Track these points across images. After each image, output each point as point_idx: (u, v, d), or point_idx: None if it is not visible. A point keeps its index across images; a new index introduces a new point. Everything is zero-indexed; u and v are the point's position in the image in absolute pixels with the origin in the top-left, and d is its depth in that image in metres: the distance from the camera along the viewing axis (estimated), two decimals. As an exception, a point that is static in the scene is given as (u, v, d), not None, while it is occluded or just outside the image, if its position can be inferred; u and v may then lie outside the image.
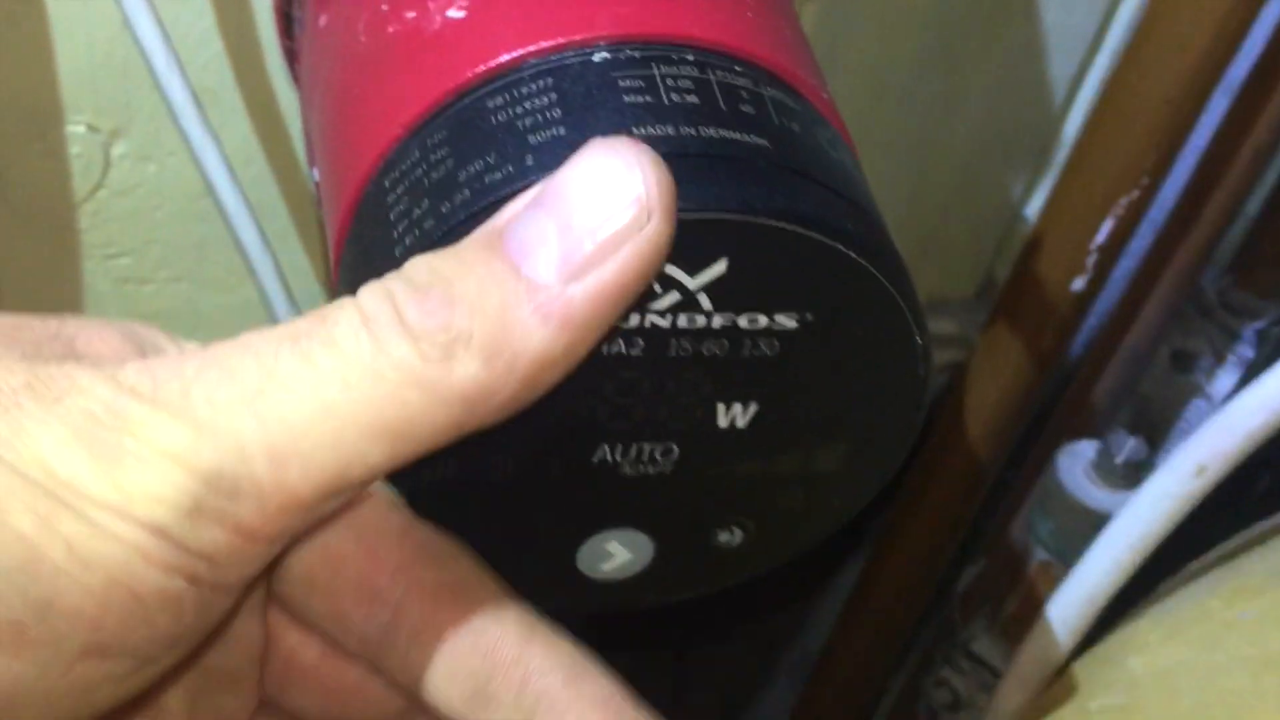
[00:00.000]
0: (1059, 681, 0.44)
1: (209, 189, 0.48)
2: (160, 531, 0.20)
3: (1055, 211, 0.52)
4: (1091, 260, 0.51)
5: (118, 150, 0.50)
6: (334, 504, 0.22)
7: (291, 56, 0.43)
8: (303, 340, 0.21)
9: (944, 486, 0.59)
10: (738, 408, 0.28)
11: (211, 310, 0.56)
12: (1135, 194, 0.49)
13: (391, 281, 0.22)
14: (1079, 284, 0.52)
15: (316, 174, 0.39)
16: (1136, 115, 0.48)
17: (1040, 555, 0.55)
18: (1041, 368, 0.56)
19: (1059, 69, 0.63)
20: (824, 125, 0.29)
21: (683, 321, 0.26)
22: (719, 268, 0.25)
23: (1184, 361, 0.59)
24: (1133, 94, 0.48)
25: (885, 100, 0.60)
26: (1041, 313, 0.53)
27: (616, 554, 0.31)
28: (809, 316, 0.27)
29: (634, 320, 0.26)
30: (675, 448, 0.28)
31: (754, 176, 0.26)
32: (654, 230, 0.22)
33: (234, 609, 0.23)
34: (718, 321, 0.26)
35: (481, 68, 0.29)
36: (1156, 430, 0.60)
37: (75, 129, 0.49)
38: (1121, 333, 0.57)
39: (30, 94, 0.48)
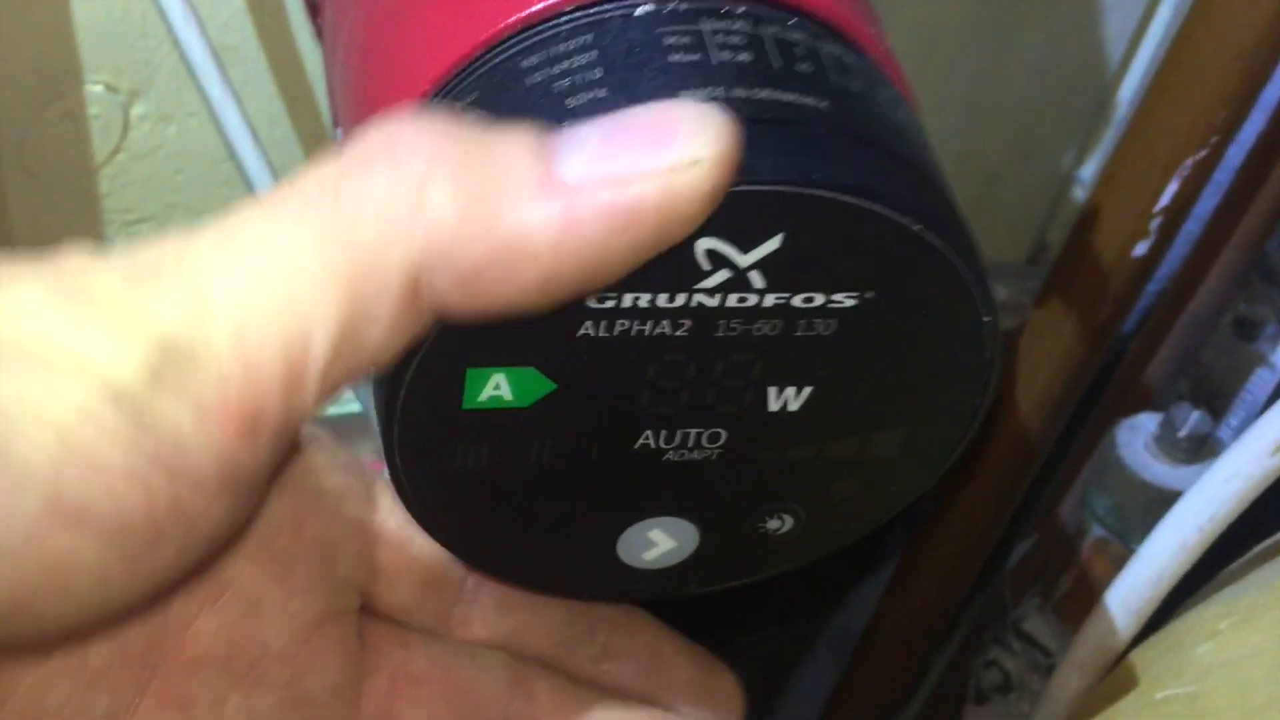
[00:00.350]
0: (1120, 668, 0.42)
1: (230, 151, 0.46)
2: (116, 397, 0.19)
3: (1117, 173, 0.49)
4: (1155, 224, 0.49)
5: (137, 111, 0.48)
6: (301, 395, 0.20)
7: (314, 10, 0.41)
8: (269, 197, 0.20)
9: (994, 461, 0.56)
10: (790, 391, 0.26)
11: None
12: (1203, 154, 0.47)
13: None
14: (1141, 249, 0.49)
15: (340, 135, 0.37)
16: (1206, 70, 0.46)
17: (1096, 532, 0.52)
18: (1099, 337, 0.53)
19: (1116, 26, 0.60)
20: (886, 85, 0.26)
21: (732, 301, 0.24)
22: (772, 243, 0.23)
23: (1247, 329, 0.56)
24: (1201, 48, 0.46)
25: (936, 59, 0.57)
26: (1100, 280, 0.51)
27: (659, 542, 0.29)
28: (869, 294, 0.24)
29: (680, 299, 0.24)
30: (722, 433, 0.26)
31: (811, 144, 0.23)
32: (697, 177, 0.20)
33: (232, 532, 0.22)
34: (770, 300, 0.24)
35: (515, 18, 0.27)
36: (1217, 401, 0.57)
37: (93, 89, 0.47)
38: (1183, 300, 0.55)
39: (47, 53, 0.46)
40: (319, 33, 0.43)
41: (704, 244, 0.23)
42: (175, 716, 0.26)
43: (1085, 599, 0.52)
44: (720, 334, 0.24)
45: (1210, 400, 0.56)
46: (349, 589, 0.29)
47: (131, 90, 0.47)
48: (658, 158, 0.20)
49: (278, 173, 0.46)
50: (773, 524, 0.29)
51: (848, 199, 0.23)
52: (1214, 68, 0.45)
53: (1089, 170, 0.64)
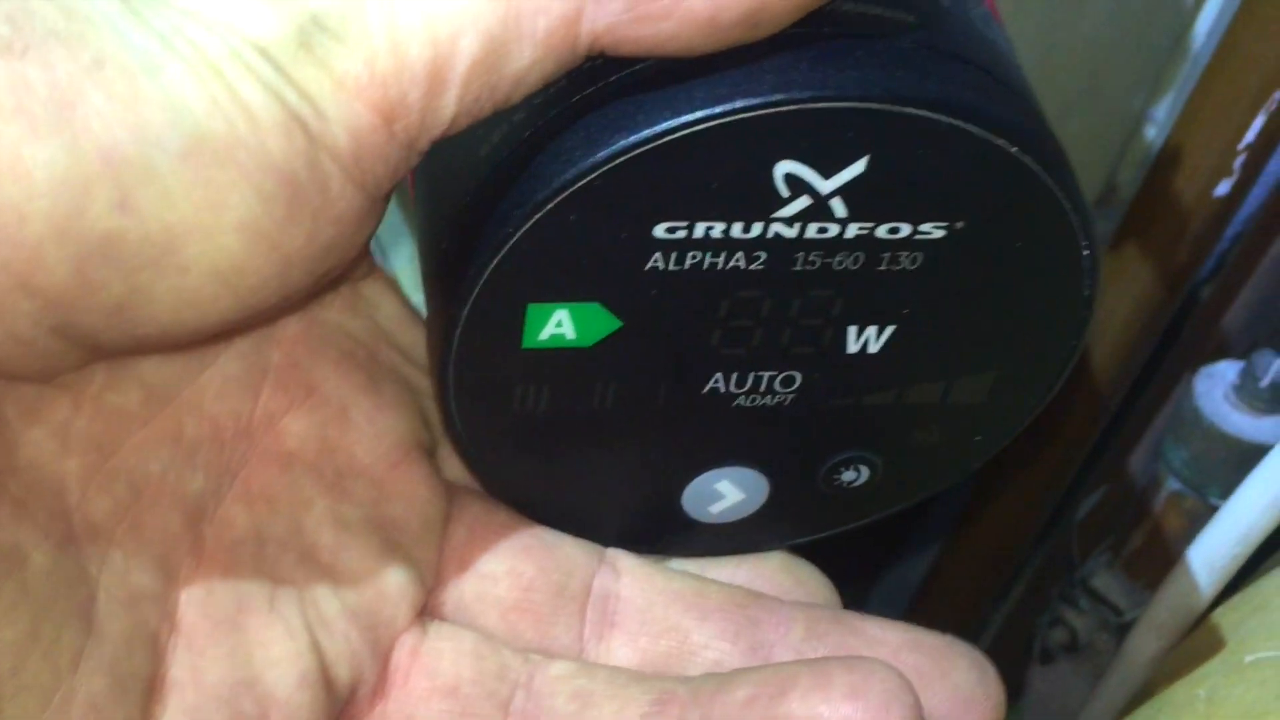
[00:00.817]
0: (1203, 629, 0.40)
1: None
2: (263, 51, 0.19)
3: (1199, 108, 0.47)
4: (1239, 162, 0.46)
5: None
6: (440, 97, 0.20)
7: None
8: None
9: (1065, 410, 0.54)
10: (871, 331, 0.24)
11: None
12: (1294, 87, 0.44)
13: None
14: (1224, 188, 0.47)
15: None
16: (1297, -2, 0.43)
17: (1172, 485, 0.50)
18: (1176, 281, 0.51)
19: (1193, -45, 0.58)
20: (977, 2, 0.24)
21: (811, 231, 0.22)
22: (857, 167, 0.21)
23: (1331, 275, 0.54)
24: (1294, -26, 0.43)
25: (1005, -12, 0.55)
26: (1179, 221, 0.49)
27: (727, 494, 0.27)
28: (959, 225, 0.23)
29: (755, 229, 0.22)
30: (797, 376, 0.25)
31: (899, 59, 0.22)
32: None
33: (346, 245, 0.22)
34: (852, 231, 0.22)
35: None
36: (1297, 350, 0.55)
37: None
38: (1264, 244, 0.52)
39: None
40: None
41: (783, 168, 0.21)
42: (262, 510, 0.26)
43: (1159, 555, 0.50)
44: (798, 268, 0.23)
45: (1290, 348, 0.54)
46: (432, 426, 0.29)
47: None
48: None
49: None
50: (848, 475, 0.27)
51: (939, 117, 0.21)
52: (1307, -6, 0.43)
53: (1162, 109, 0.61)
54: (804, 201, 0.22)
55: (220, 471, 0.26)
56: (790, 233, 0.22)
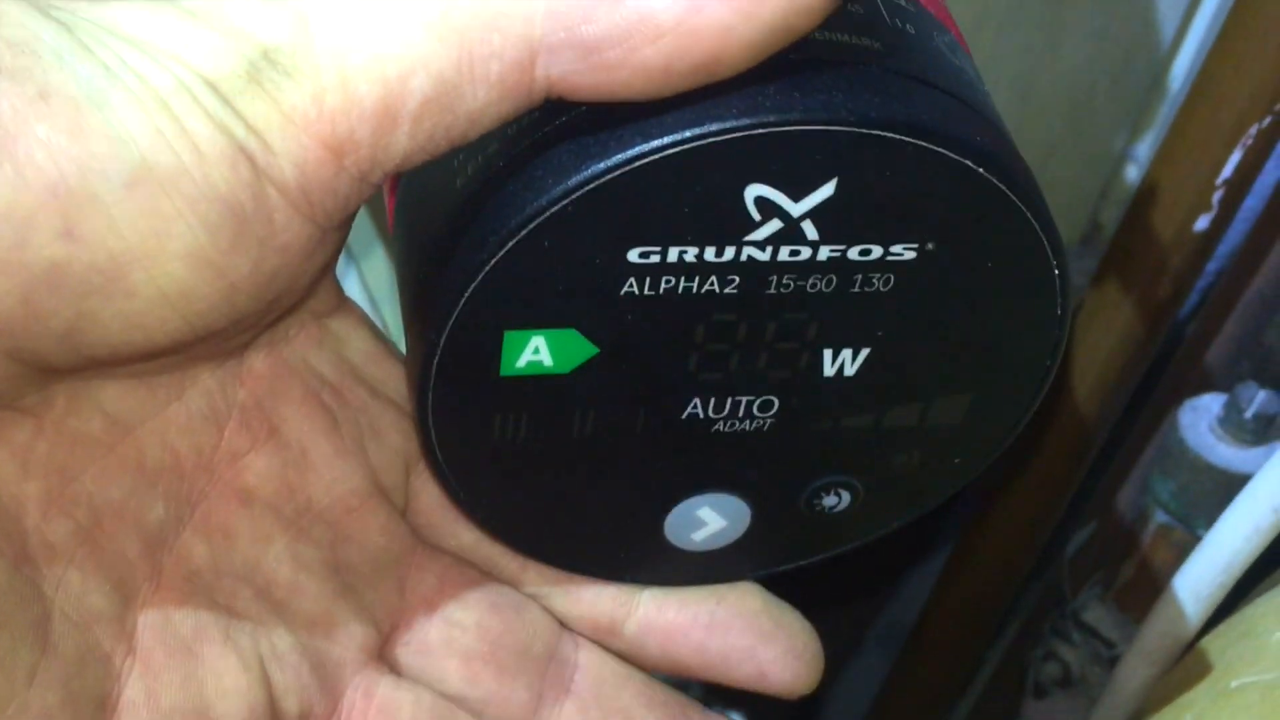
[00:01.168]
0: (1190, 657, 0.40)
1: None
2: (211, 85, 0.20)
3: (1176, 144, 0.48)
4: (1217, 197, 0.47)
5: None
6: (391, 134, 0.20)
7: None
8: None
9: (1051, 446, 0.55)
10: (846, 353, 0.25)
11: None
12: (1267, 121, 0.45)
13: None
14: (1203, 223, 0.47)
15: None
16: (1269, 34, 0.44)
17: (1160, 518, 0.51)
18: (1158, 317, 0.51)
19: (1169, -3, 0.59)
20: (941, 29, 0.25)
21: (784, 254, 0.23)
22: (826, 190, 0.22)
23: (1313, 308, 0.54)
24: (1265, 10, 0.44)
25: (984, 30, 0.56)
26: (1159, 256, 0.49)
27: (709, 521, 0.27)
28: (929, 246, 0.23)
29: (728, 253, 0.22)
30: (775, 400, 0.25)
31: (865, 83, 0.22)
32: None
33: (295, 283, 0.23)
34: (824, 253, 0.23)
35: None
36: (1281, 383, 0.55)
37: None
38: (1245, 278, 0.53)
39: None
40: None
41: (753, 191, 0.22)
42: (220, 543, 0.26)
43: (1149, 587, 0.50)
44: (772, 291, 0.23)
45: (1275, 381, 0.54)
46: (395, 471, 0.29)
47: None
48: None
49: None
50: (829, 500, 0.27)
51: (906, 139, 0.22)
52: (1277, 31, 0.44)
53: (1143, 147, 0.62)
54: (775, 224, 0.22)
55: (180, 503, 0.26)
56: (763, 256, 0.22)
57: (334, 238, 0.23)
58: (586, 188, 0.21)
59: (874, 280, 0.23)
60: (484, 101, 0.20)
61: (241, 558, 0.27)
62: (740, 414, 0.25)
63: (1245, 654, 0.38)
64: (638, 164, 0.21)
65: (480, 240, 0.22)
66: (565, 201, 0.21)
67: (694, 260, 0.22)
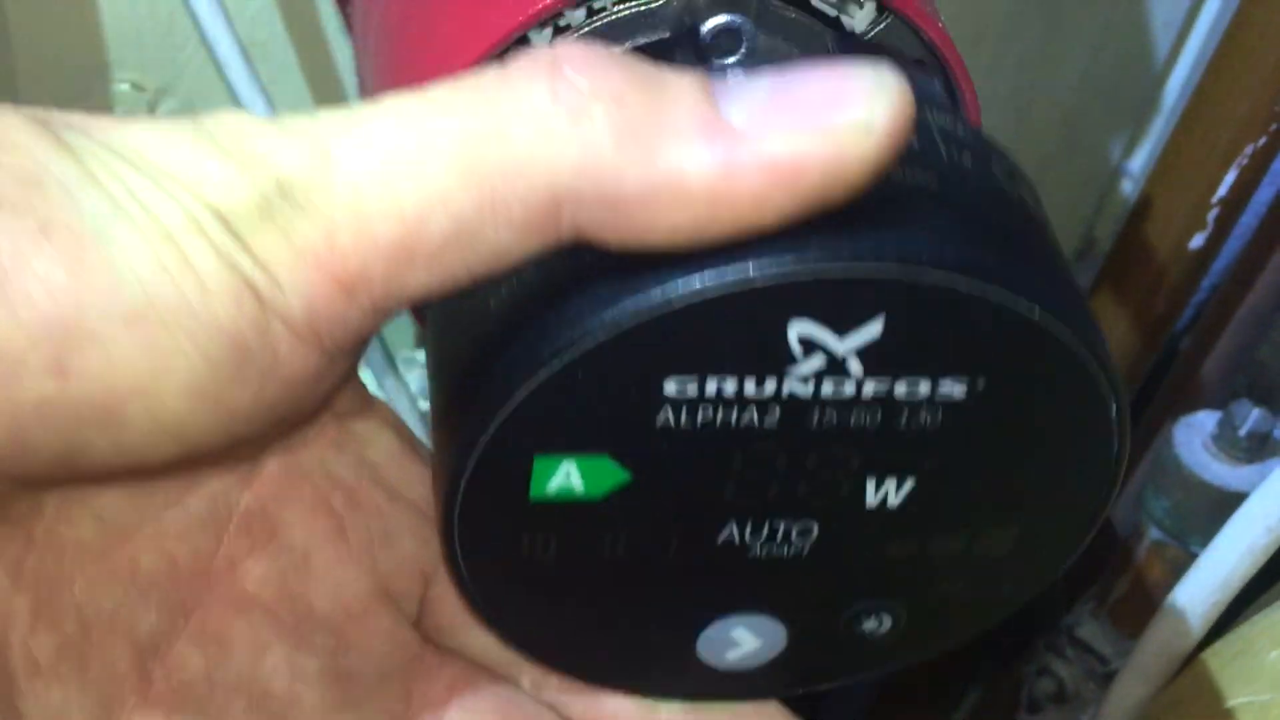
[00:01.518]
0: (1186, 675, 0.40)
1: (260, 149, 0.45)
2: (222, 217, 0.19)
3: (1172, 162, 0.48)
4: (1212, 215, 0.47)
5: (164, 109, 0.47)
6: (409, 270, 0.20)
7: (344, 0, 0.40)
8: (423, 88, 0.20)
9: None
10: (890, 484, 0.23)
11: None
12: (1263, 141, 0.45)
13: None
14: (1198, 241, 0.48)
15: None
16: (1264, 54, 0.44)
17: (1154, 535, 0.51)
18: (1153, 333, 0.52)
19: (1165, 15, 0.59)
20: (1000, 156, 0.24)
21: (828, 389, 0.21)
22: (873, 329, 0.21)
23: (1307, 325, 0.55)
24: (1259, 31, 0.44)
25: (981, 49, 0.56)
26: (1155, 273, 0.50)
27: (743, 642, 0.26)
28: (980, 384, 0.22)
29: (769, 387, 0.21)
30: (814, 526, 0.24)
31: (918, 221, 0.21)
32: (868, 143, 0.19)
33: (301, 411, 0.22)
34: (870, 389, 0.22)
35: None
36: (1275, 399, 0.55)
37: (120, 87, 0.46)
38: (1240, 295, 0.53)
39: (74, 51, 0.45)
40: (349, 24, 0.42)
41: (797, 328, 0.21)
42: (214, 652, 0.25)
43: (1143, 604, 0.51)
44: (814, 424, 0.22)
45: (1268, 399, 0.55)
46: (408, 576, 0.28)
47: (159, 88, 0.46)
48: (830, 116, 0.19)
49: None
50: (869, 624, 0.26)
51: (956, 283, 0.20)
52: (1273, 52, 0.44)
53: (1137, 163, 0.62)
54: (819, 361, 0.21)
55: (175, 611, 0.25)
56: (805, 391, 0.21)
57: (344, 362, 0.22)
58: (623, 326, 0.21)
59: (921, 416, 0.22)
60: (507, 242, 0.20)
61: (237, 667, 0.26)
62: (778, 539, 0.24)
63: (1241, 673, 0.38)
64: (676, 305, 0.20)
65: (512, 369, 0.21)
66: (601, 337, 0.21)
67: (733, 394, 0.21)
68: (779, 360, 0.21)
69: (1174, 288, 0.50)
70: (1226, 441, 0.49)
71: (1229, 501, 0.45)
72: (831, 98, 0.19)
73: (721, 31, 0.28)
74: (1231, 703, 0.37)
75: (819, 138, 0.19)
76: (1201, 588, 0.40)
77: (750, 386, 0.21)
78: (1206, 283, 0.55)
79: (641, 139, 0.19)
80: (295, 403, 0.22)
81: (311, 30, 0.46)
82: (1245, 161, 0.46)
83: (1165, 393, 0.57)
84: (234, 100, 0.44)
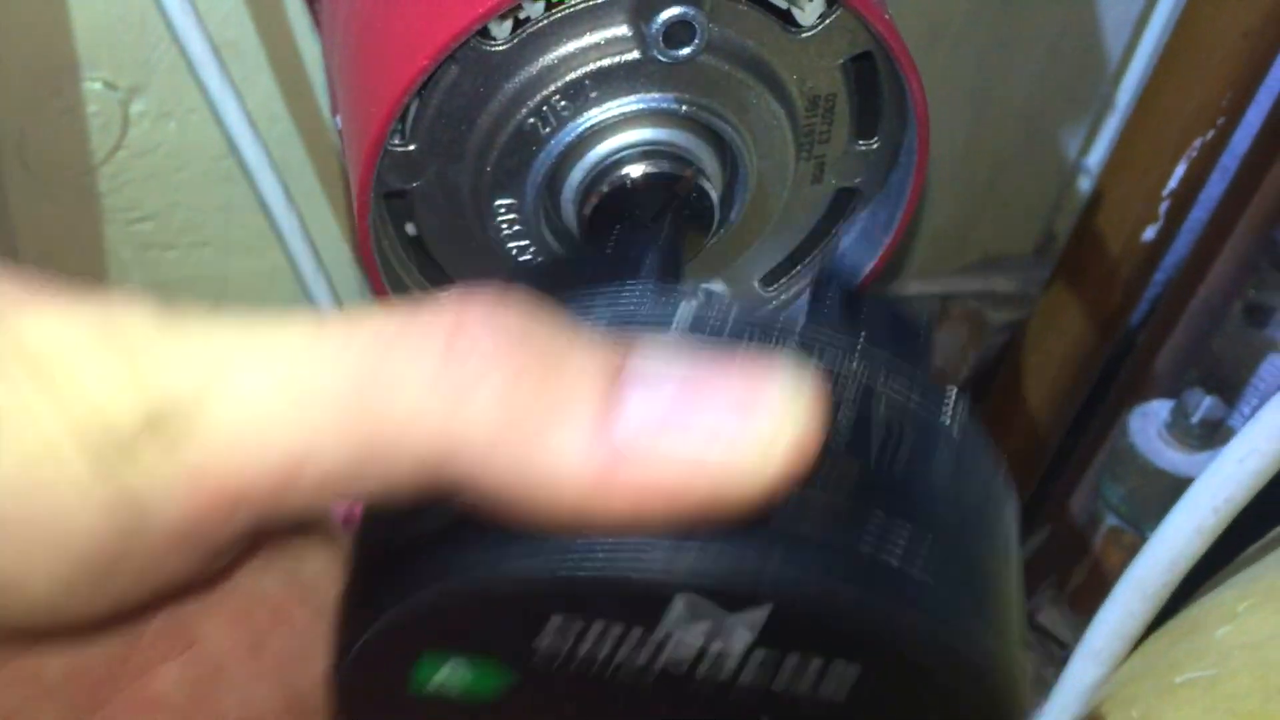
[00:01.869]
0: (1137, 654, 0.42)
1: (231, 147, 0.46)
2: (105, 429, 0.19)
3: (1124, 157, 0.49)
4: (1164, 208, 0.48)
5: (136, 108, 0.47)
6: (292, 494, 0.20)
7: (312, -1, 0.41)
8: (326, 321, 0.20)
9: (1005, 453, 0.56)
10: None
11: (238, 276, 0.54)
12: (1210, 135, 0.46)
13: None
14: (1150, 233, 0.49)
15: (339, 121, 0.37)
16: (1212, 49, 0.45)
17: (1110, 522, 0.52)
18: (1108, 325, 0.53)
19: (1120, 13, 0.60)
20: (958, 434, 0.22)
21: (714, 647, 0.22)
22: (762, 612, 0.21)
23: (1257, 316, 0.56)
24: (1208, 27, 0.45)
25: (939, 46, 0.57)
26: (1109, 266, 0.51)
27: None
28: (870, 669, 0.22)
29: (656, 635, 0.22)
30: None
31: (810, 537, 0.20)
32: (767, 461, 0.19)
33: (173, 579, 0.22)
34: (758, 655, 0.22)
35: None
36: (1228, 389, 0.57)
37: (92, 85, 0.47)
38: (1192, 287, 0.54)
39: (45, 49, 0.46)
40: (317, 22, 0.42)
41: (685, 597, 0.21)
42: None
43: (1100, 590, 0.51)
44: (699, 674, 0.22)
45: (1221, 388, 0.56)
46: (321, 694, 0.27)
47: (131, 87, 0.47)
48: (735, 423, 0.19)
49: (278, 168, 0.46)
50: None
51: (840, 610, 0.20)
52: (1220, 48, 0.45)
53: (1095, 159, 0.64)
54: (705, 624, 0.21)
55: (80, 711, 0.25)
56: (692, 641, 0.21)
57: (234, 545, 0.22)
58: (504, 582, 0.21)
59: (801, 694, 0.22)
60: (390, 478, 0.20)
61: None
62: None
63: (1190, 651, 0.39)
64: (558, 573, 0.20)
65: (399, 583, 0.22)
66: (480, 587, 0.21)
67: (618, 635, 0.21)
68: (665, 619, 0.21)
69: (1128, 279, 0.51)
70: (1180, 429, 0.50)
71: (1183, 487, 0.46)
72: (742, 400, 0.19)
73: (676, 23, 0.29)
74: (1180, 679, 0.38)
75: (716, 449, 0.19)
76: (1151, 569, 0.42)
77: (636, 633, 0.21)
78: (1160, 276, 0.56)
79: (524, 430, 0.19)
80: (181, 587, 0.22)
81: (281, 30, 0.47)
82: (1195, 155, 0.47)
83: (1121, 383, 0.58)
84: (206, 98, 0.44)
